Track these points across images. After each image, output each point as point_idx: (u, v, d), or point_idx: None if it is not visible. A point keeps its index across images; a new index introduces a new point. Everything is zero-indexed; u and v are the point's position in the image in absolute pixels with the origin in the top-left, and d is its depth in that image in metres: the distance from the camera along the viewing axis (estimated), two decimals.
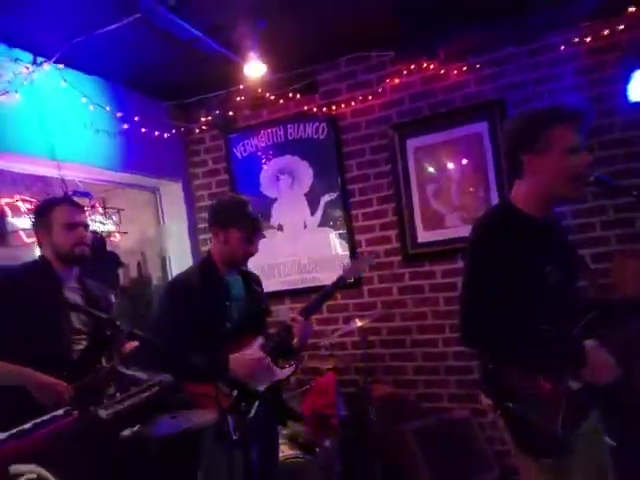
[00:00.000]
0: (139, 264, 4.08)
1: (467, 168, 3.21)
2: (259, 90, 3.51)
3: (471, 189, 3.21)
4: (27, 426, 0.95)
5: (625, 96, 2.77)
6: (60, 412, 0.97)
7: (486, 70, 3.09)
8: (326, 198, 3.56)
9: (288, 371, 2.03)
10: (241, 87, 3.53)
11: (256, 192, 3.70)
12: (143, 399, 1.00)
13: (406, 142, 3.33)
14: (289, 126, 3.63)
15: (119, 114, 3.25)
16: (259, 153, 3.73)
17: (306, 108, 3.54)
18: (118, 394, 0.99)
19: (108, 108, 3.20)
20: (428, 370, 3.28)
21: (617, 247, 2.87)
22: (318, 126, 3.56)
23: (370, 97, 3.38)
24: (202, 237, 3.92)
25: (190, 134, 3.88)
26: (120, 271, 3.84)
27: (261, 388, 1.89)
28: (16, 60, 2.70)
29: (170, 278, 3.69)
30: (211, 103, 3.72)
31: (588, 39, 2.78)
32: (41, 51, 2.77)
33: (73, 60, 2.92)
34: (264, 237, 2.13)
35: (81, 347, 1.87)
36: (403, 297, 3.36)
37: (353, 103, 3.43)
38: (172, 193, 3.89)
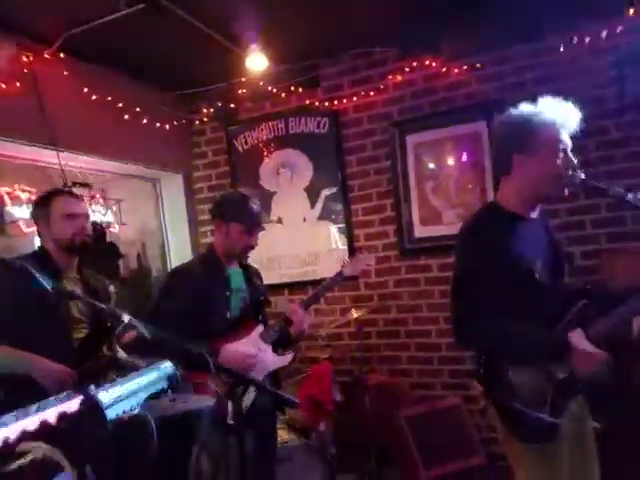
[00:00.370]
0: (139, 255, 4.11)
1: (465, 166, 3.24)
2: (261, 83, 3.53)
3: (469, 186, 3.24)
4: (33, 407, 0.99)
5: (623, 97, 2.80)
6: (63, 395, 1.00)
7: (487, 69, 3.11)
8: (326, 192, 3.59)
9: (285, 360, 2.08)
10: (243, 80, 3.54)
11: (256, 185, 3.73)
12: (141, 384, 1.05)
13: (406, 138, 3.36)
14: (290, 120, 3.65)
15: (120, 104, 3.26)
16: (260, 146, 3.76)
17: (308, 102, 3.57)
18: (117, 380, 1.03)
19: (110, 98, 3.20)
20: (422, 360, 3.35)
21: (607, 245, 2.92)
22: (319, 121, 3.58)
23: (372, 93, 3.41)
24: (202, 229, 3.94)
25: (191, 126, 3.90)
26: (120, 262, 3.87)
27: (259, 377, 1.93)
28: (18, 48, 2.71)
29: (169, 269, 3.72)
30: (213, 95, 3.73)
31: (587, 39, 2.81)
32: (43, 39, 2.79)
33: (76, 49, 2.93)
34: (264, 229, 2.17)
35: (81, 335, 1.91)
36: (399, 290, 3.41)
37: (355, 99, 3.45)
38: (172, 184, 3.92)
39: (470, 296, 1.48)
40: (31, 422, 0.92)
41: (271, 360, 2.05)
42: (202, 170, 3.97)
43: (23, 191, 3.13)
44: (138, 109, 3.36)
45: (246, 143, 3.80)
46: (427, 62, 3.23)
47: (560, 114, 1.53)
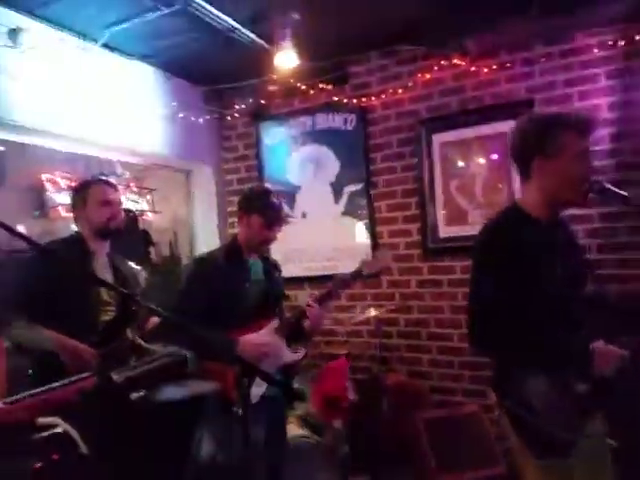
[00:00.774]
0: (171, 243, 4.25)
1: (493, 166, 3.20)
2: (291, 80, 3.58)
3: (497, 186, 3.20)
4: (55, 385, 1.09)
5: None
6: (83, 375, 1.10)
7: (517, 69, 3.06)
8: (350, 188, 3.62)
9: (298, 355, 2.13)
10: (274, 76, 3.60)
11: (282, 179, 3.81)
12: (153, 368, 1.13)
13: (433, 137, 3.35)
14: (318, 116, 3.70)
15: (157, 99, 3.39)
16: (288, 141, 3.82)
17: (336, 99, 3.59)
18: (133, 362, 1.12)
19: (147, 93, 3.34)
20: (443, 363, 3.33)
21: (598, 257, 2.85)
22: (347, 117, 3.61)
23: (400, 91, 3.40)
24: (230, 220, 4.06)
25: (223, 120, 4.00)
26: (151, 249, 4.02)
27: (272, 369, 2.00)
28: (64, 44, 2.86)
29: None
30: (245, 90, 3.81)
31: (622, 43, 2.71)
32: (88, 35, 2.93)
33: (117, 45, 3.08)
34: (287, 223, 2.23)
35: (108, 318, 2.03)
36: (421, 290, 3.41)
37: (383, 96, 3.46)
38: (203, 176, 4.03)
39: (483, 300, 1.47)
40: (52, 397, 1.03)
41: (284, 354, 2.10)
42: (232, 163, 4.08)
43: (63, 178, 3.30)
44: (174, 103, 3.49)
45: (275, 138, 3.88)
46: (456, 60, 3.20)
47: (581, 117, 1.52)
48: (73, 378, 1.19)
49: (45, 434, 0.98)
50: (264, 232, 2.10)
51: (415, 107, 3.39)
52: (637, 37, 2.67)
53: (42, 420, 0.95)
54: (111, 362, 1.37)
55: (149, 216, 3.96)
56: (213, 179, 4.03)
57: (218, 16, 2.81)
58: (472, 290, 1.52)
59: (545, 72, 2.99)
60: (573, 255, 1.61)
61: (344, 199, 3.65)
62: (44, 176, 3.23)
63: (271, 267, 2.28)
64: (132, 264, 2.29)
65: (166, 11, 2.70)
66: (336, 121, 3.65)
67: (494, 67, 3.10)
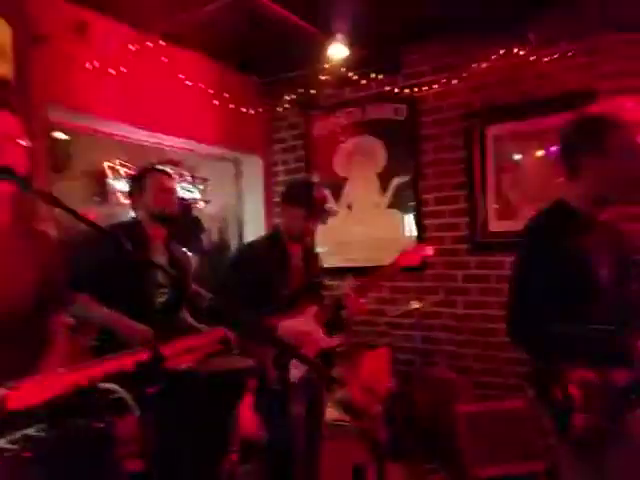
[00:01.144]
0: (220, 230, 4.41)
1: (548, 160, 3.08)
2: (342, 69, 3.58)
3: (550, 182, 3.08)
4: (114, 355, 1.19)
5: None
6: (138, 348, 1.19)
7: (579, 58, 2.91)
8: (398, 180, 3.59)
9: (334, 342, 2.19)
10: (325, 65, 3.61)
11: (329, 170, 3.82)
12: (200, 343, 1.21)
13: (486, 129, 3.26)
14: (368, 106, 3.68)
15: (211, 90, 3.50)
16: (337, 132, 3.83)
17: (387, 89, 3.56)
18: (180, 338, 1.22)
19: (202, 84, 3.44)
20: (487, 359, 3.28)
21: None
22: (398, 107, 3.57)
23: (454, 81, 3.32)
24: (277, 210, 4.13)
25: (273, 111, 4.06)
26: (203, 235, 4.19)
27: (310, 354, 2.05)
28: (126, 36, 3.00)
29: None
30: (295, 81, 3.85)
31: None
32: (144, 27, 3.05)
33: (172, 37, 3.19)
34: (331, 216, 2.27)
35: (162, 300, 2.14)
36: (467, 285, 3.35)
37: (436, 86, 3.39)
38: (253, 166, 4.13)
39: (522, 295, 1.48)
40: (111, 366, 1.12)
41: (321, 339, 2.15)
42: (281, 154, 4.14)
43: (122, 166, 3.49)
44: (226, 95, 3.58)
45: (324, 129, 3.90)
46: (515, 50, 3.08)
47: (628, 116, 1.48)
48: (130, 350, 1.29)
49: (102, 398, 1.06)
50: (304, 224, 2.15)
51: (468, 98, 3.31)
52: None
53: (102, 385, 1.04)
54: (165, 340, 1.46)
55: (201, 205, 4.12)
56: (262, 170, 4.12)
57: (272, 7, 2.85)
58: (516, 284, 1.53)
59: (609, 62, 2.83)
60: (620, 253, 1.58)
61: (390, 191, 3.63)
62: (105, 164, 3.43)
63: (311, 256, 2.33)
64: (184, 249, 2.39)
65: (221, 2, 2.77)
66: (386, 111, 3.62)
67: (555, 56, 2.97)
